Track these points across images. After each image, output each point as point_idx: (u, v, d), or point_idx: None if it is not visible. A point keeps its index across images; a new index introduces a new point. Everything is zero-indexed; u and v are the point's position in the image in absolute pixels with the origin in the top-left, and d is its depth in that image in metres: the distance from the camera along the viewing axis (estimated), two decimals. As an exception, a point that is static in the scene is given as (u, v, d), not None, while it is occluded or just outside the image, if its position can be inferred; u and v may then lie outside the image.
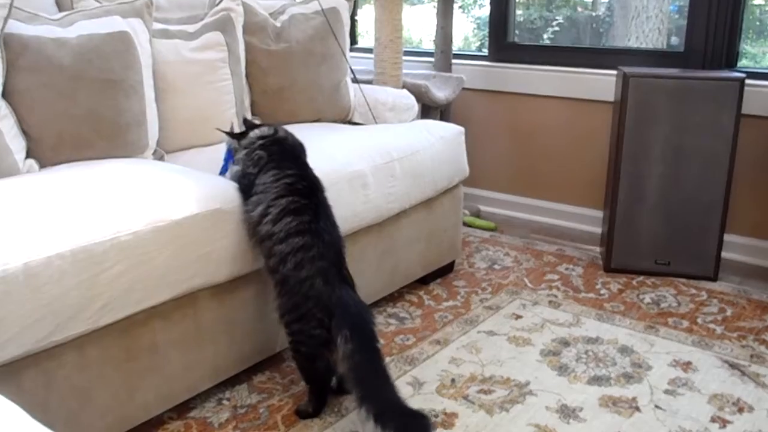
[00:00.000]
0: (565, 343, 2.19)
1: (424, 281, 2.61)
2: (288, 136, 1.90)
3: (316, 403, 1.83)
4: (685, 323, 2.33)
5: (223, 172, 1.95)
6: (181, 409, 1.84)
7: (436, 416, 1.82)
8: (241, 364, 1.92)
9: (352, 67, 2.65)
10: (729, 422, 1.80)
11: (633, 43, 3.34)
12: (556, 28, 3.52)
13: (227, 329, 1.83)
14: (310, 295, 1.68)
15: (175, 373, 1.73)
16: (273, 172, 1.76)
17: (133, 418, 1.66)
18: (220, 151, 1.99)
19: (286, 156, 1.83)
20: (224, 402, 1.90)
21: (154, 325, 1.65)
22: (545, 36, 3.54)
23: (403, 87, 2.92)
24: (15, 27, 1.82)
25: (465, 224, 3.20)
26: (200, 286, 1.71)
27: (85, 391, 1.55)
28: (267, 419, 1.82)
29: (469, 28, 4.15)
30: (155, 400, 1.70)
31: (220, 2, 2.35)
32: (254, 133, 1.87)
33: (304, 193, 1.75)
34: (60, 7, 2.12)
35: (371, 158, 2.17)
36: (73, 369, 1.52)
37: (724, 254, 2.67)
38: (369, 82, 2.90)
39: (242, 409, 1.87)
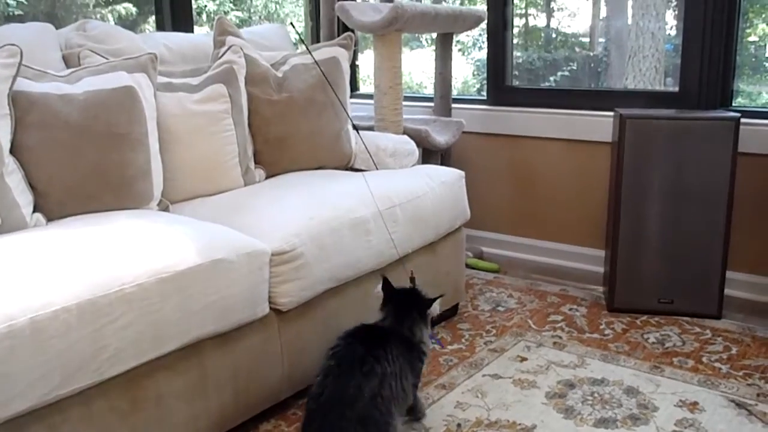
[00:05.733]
0: (571, 385, 2.18)
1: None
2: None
3: None
4: (691, 362, 2.32)
5: None
6: (187, 460, 1.84)
7: (442, 462, 1.81)
8: (246, 413, 1.92)
9: (353, 114, 2.69)
10: (737, 463, 1.79)
11: (630, 82, 3.40)
12: (566, 73, 3.58)
13: (233, 378, 1.84)
14: None
15: (180, 424, 1.73)
16: None
17: (138, 470, 1.66)
18: (225, 199, 1.98)
19: None
20: (230, 451, 1.90)
21: (159, 376, 1.66)
22: (552, 79, 3.60)
23: (404, 132, 2.95)
24: (24, 85, 1.87)
25: (468, 266, 3.21)
26: (205, 335, 1.73)
27: (91, 444, 1.55)
28: (272, 468, 1.82)
29: (468, 71, 4.22)
30: (161, 452, 1.70)
31: (223, 55, 2.41)
32: None
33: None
34: (67, 64, 2.18)
35: (373, 204, 2.19)
36: (79, 422, 1.52)
37: (727, 291, 2.67)
38: (371, 128, 2.94)
39: (248, 459, 1.87)
